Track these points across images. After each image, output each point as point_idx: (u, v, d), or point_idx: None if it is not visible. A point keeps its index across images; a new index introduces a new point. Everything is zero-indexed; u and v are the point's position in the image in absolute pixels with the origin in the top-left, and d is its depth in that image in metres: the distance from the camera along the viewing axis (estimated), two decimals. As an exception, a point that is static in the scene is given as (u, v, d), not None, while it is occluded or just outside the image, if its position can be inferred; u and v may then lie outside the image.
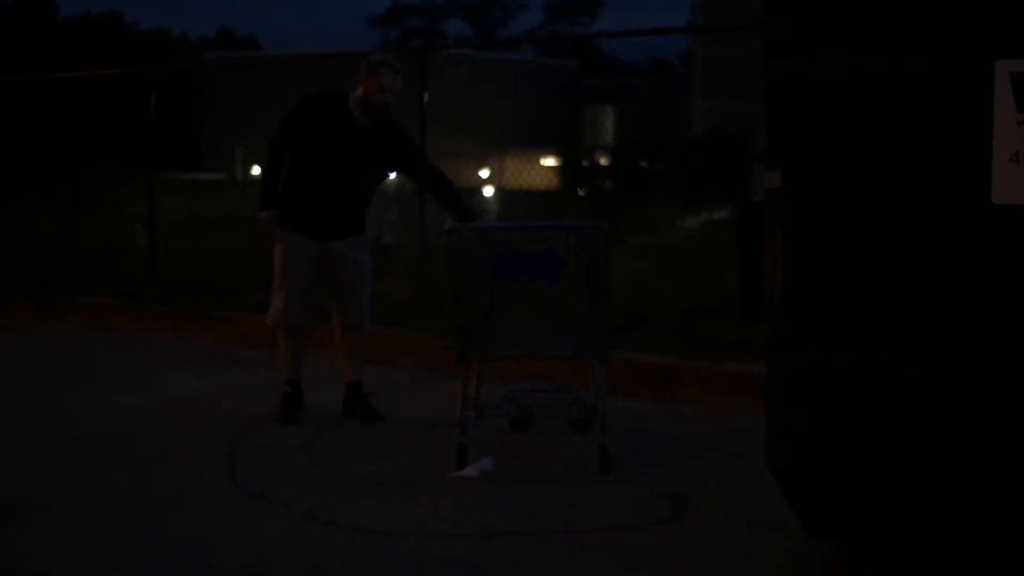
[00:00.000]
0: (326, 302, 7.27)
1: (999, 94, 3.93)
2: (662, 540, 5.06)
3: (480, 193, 23.69)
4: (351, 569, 4.76)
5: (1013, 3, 3.93)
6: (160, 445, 6.70)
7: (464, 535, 5.17)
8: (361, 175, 7.10)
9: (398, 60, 7.03)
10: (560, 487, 5.85)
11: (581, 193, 23.00)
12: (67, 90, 15.00)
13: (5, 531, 5.22)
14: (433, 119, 10.50)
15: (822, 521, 4.49)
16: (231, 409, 7.11)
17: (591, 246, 6.18)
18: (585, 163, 29.09)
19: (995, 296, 4.00)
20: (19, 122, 15.24)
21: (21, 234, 13.53)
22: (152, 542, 5.06)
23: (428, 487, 5.84)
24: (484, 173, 32.99)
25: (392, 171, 7.44)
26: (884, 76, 4.10)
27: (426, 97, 10.38)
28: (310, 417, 7.21)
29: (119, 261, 12.36)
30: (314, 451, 6.58)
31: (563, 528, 5.23)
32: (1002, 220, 3.95)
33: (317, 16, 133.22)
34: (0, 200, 14.77)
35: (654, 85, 41.78)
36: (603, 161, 29.53)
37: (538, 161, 27.38)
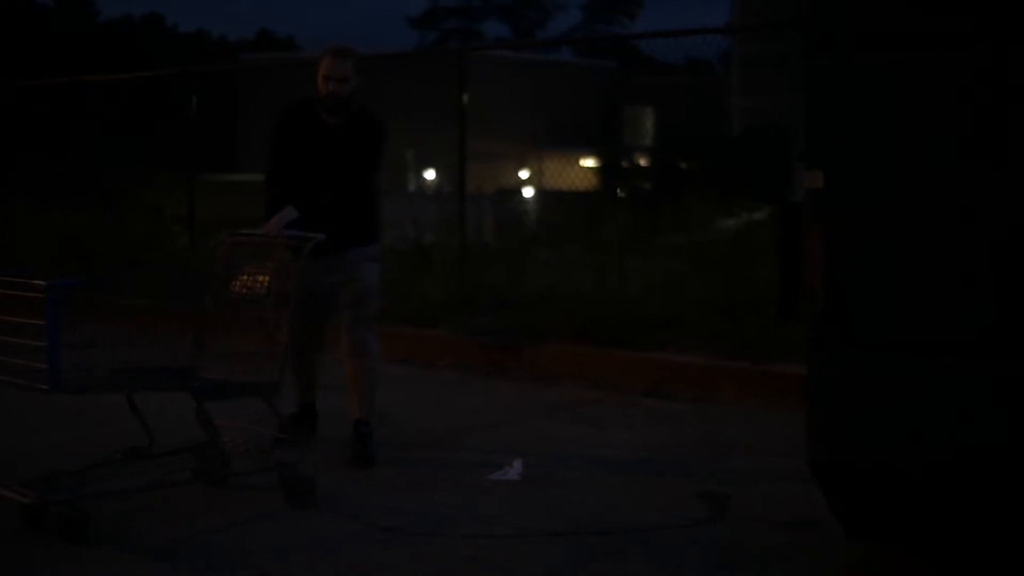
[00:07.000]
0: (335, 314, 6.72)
1: (1043, 91, 3.88)
2: (700, 541, 5.03)
3: (520, 194, 23.66)
4: (388, 569, 4.75)
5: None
6: (190, 443, 6.69)
7: (501, 536, 5.15)
8: (344, 176, 6.53)
9: (347, 46, 6.48)
10: (595, 488, 5.83)
11: (621, 194, 22.94)
12: (107, 92, 15.09)
13: (22, 530, 5.22)
14: (472, 120, 10.52)
15: (862, 521, 4.45)
16: (262, 408, 7.09)
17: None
18: (624, 164, 29.03)
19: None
20: (59, 124, 15.35)
21: (58, 233, 13.60)
22: (189, 541, 5.07)
23: (465, 489, 5.83)
24: (524, 174, 32.94)
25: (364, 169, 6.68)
26: (927, 73, 4.05)
27: (465, 99, 10.40)
28: (345, 418, 7.19)
29: (156, 261, 12.39)
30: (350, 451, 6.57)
31: (600, 529, 5.20)
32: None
33: (356, 17, 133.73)
34: (39, 199, 14.86)
35: (693, 85, 41.61)
36: (642, 162, 29.47)
37: (577, 162, 27.31)
